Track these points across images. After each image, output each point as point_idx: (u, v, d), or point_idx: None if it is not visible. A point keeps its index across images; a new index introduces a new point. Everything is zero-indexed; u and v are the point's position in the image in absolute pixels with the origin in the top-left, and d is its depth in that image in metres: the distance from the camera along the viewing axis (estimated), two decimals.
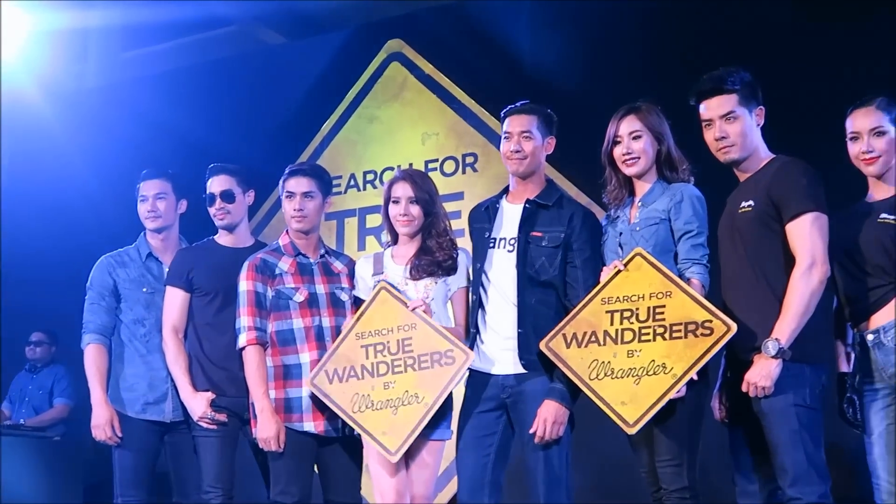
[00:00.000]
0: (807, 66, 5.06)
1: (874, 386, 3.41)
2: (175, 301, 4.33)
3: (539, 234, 3.70)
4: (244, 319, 4.01)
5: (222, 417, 4.19)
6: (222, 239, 4.45)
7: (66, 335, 6.09)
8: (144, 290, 4.48)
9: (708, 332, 3.34)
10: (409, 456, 3.79)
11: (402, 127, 6.41)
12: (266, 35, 6.82)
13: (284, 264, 4.08)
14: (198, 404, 4.19)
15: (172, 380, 4.33)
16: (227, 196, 4.38)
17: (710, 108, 3.53)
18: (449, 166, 6.19)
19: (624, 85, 5.24)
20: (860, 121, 3.49)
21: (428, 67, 6.36)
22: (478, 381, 3.73)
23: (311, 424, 3.95)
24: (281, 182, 4.15)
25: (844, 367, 3.53)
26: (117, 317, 4.47)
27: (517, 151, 3.75)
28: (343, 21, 6.61)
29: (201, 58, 6.65)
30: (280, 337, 4.01)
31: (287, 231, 4.18)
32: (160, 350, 4.37)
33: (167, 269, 4.48)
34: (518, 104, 3.84)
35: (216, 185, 4.40)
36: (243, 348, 4.00)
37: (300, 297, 4.03)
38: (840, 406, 3.50)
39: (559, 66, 5.66)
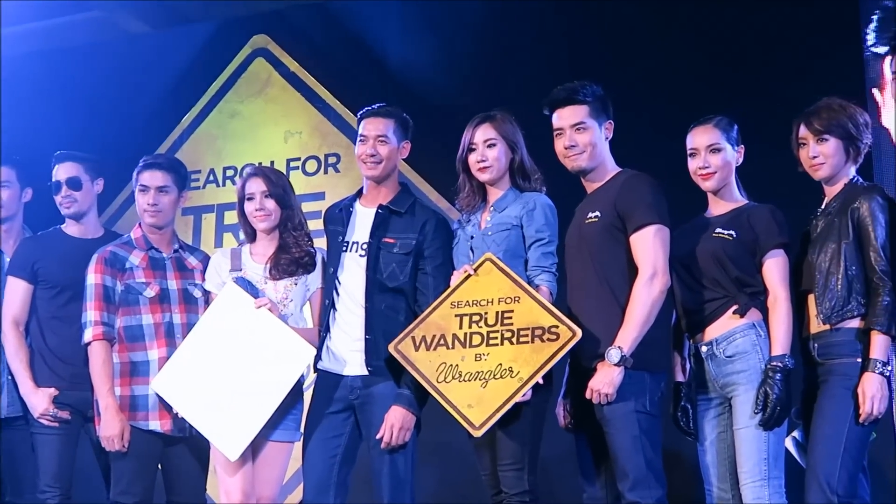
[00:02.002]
0: (660, 79, 5.24)
1: (707, 395, 3.55)
2: (17, 292, 4.21)
3: (391, 241, 3.71)
4: (91, 314, 3.92)
5: (64, 415, 4.10)
6: (69, 229, 4.34)
7: None
8: None
9: (554, 337, 3.39)
10: (255, 456, 3.76)
11: (264, 124, 6.33)
12: (128, 23, 6.65)
13: (135, 258, 4.01)
14: (39, 400, 4.09)
15: (10, 374, 4.20)
16: (74, 183, 4.28)
17: (562, 117, 3.60)
18: (311, 166, 6.15)
19: (485, 91, 5.32)
20: (699, 138, 3.63)
21: (293, 65, 6.29)
22: (327, 381, 3.72)
23: (157, 423, 3.89)
24: (135, 174, 4.08)
25: (680, 377, 3.64)
26: None
27: (372, 155, 3.75)
28: (208, 14, 6.49)
29: (59, 43, 6.45)
30: (128, 333, 3.94)
31: (140, 224, 4.09)
32: None
33: (8, 260, 4.33)
34: (375, 107, 3.85)
35: (62, 172, 4.30)
36: (89, 343, 3.91)
37: (151, 292, 3.97)
38: (674, 414, 3.62)
39: (425, 70, 5.68)
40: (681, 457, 4.07)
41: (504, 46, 5.70)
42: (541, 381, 3.45)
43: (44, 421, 4.08)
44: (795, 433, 3.65)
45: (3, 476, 4.33)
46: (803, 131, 3.51)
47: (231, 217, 5.71)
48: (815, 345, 3.42)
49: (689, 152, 3.65)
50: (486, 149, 3.66)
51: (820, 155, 3.48)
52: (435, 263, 3.69)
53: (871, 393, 3.25)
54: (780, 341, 3.40)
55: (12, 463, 4.30)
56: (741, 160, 3.66)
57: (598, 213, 3.52)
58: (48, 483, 4.06)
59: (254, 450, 3.73)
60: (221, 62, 6.43)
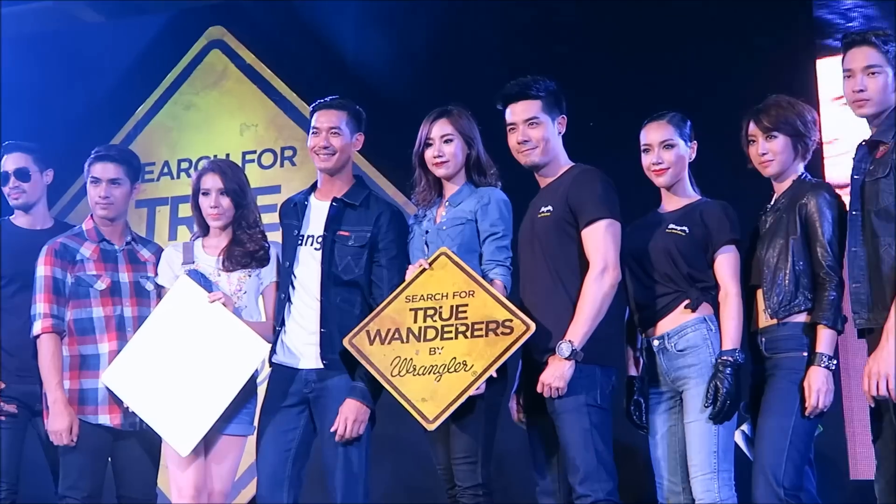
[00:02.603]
0: (614, 75, 5.28)
1: (659, 389, 3.58)
2: None
3: (346, 234, 3.71)
4: (40, 306, 3.88)
5: (11, 408, 4.08)
6: (18, 220, 4.32)
7: None
8: None
9: (508, 330, 3.42)
10: (208, 451, 3.76)
11: (220, 116, 6.30)
12: (83, 12, 6.59)
13: (87, 250, 3.97)
14: None
15: None
16: (22, 174, 4.27)
17: (515, 112, 3.62)
18: (267, 159, 6.14)
19: (441, 86, 5.34)
20: (652, 134, 3.65)
21: (249, 57, 6.28)
22: (281, 375, 3.72)
23: (107, 417, 3.86)
24: (86, 166, 4.05)
25: (633, 371, 3.67)
26: None
27: (325, 147, 3.75)
28: (164, 4, 6.45)
29: (12, 31, 6.37)
30: (78, 326, 3.90)
31: (92, 215, 4.06)
32: None
33: None
34: (327, 99, 3.84)
35: (10, 162, 4.30)
36: (38, 336, 3.87)
37: (102, 284, 3.93)
38: (627, 408, 3.64)
39: (382, 64, 5.71)
40: (633, 450, 4.10)
41: (460, 42, 5.74)
42: (495, 375, 3.47)
43: None
44: (744, 427, 3.67)
45: None
46: (752, 128, 3.55)
47: (186, 210, 5.67)
48: (763, 339, 3.46)
49: (642, 148, 3.67)
50: (442, 144, 3.67)
51: (769, 152, 3.51)
52: (389, 256, 3.70)
53: (816, 387, 3.29)
54: (731, 336, 3.43)
55: None
56: (694, 156, 3.68)
57: (550, 208, 3.54)
58: None
59: (206, 444, 3.73)
60: (177, 53, 6.40)
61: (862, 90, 3.30)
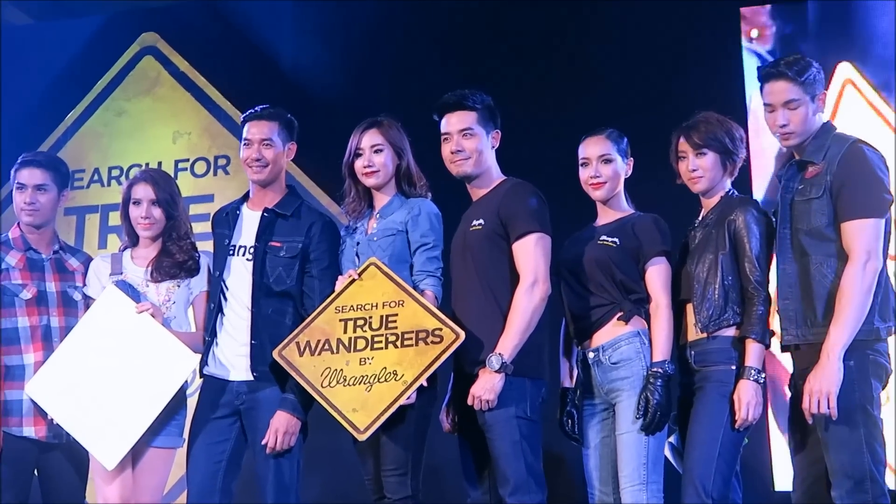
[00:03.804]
0: (550, 88, 5.35)
1: (593, 401, 3.61)
2: None
3: (277, 244, 3.71)
4: None
5: None
6: None
7: None
8: None
9: (438, 339, 3.43)
10: (136, 463, 3.71)
11: (152, 123, 6.29)
12: (10, 13, 6.49)
13: (12, 259, 3.92)
14: None
15: None
16: None
17: (450, 122, 3.65)
18: (200, 167, 6.13)
19: (375, 93, 5.37)
20: (591, 148, 3.68)
21: (183, 64, 6.27)
22: (212, 386, 3.72)
23: (32, 430, 3.82)
24: (13, 172, 3.99)
25: (567, 383, 3.70)
26: None
27: (258, 160, 3.75)
28: (96, 7, 6.40)
29: None
30: (3, 335, 3.86)
31: (18, 223, 4.00)
32: None
33: None
34: (258, 109, 3.83)
35: None
36: None
37: (27, 294, 3.89)
38: (560, 419, 3.66)
39: (316, 72, 5.75)
40: (564, 460, 4.14)
41: (395, 50, 5.79)
42: (425, 384, 3.48)
43: None
44: (672, 438, 3.72)
45: None
46: (683, 144, 3.59)
47: (116, 218, 5.55)
48: (692, 352, 3.49)
49: (580, 162, 3.71)
50: (372, 154, 3.68)
51: (699, 168, 3.55)
52: (321, 266, 3.70)
53: (746, 399, 3.34)
54: (661, 347, 3.47)
55: None
56: (630, 172, 3.73)
57: (482, 221, 3.56)
58: None
59: (134, 456, 3.70)
60: (109, 59, 6.37)
61: (785, 125, 3.36)
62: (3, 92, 6.13)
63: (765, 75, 3.43)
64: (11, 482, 3.80)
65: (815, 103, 3.38)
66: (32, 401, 3.77)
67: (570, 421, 3.66)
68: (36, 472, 3.93)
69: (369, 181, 3.70)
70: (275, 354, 3.57)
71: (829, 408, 3.14)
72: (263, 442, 3.56)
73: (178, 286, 3.81)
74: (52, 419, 3.76)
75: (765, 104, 3.42)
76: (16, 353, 3.84)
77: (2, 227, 5.21)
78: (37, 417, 3.80)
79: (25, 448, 3.82)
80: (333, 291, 3.63)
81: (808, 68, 3.37)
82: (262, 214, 3.76)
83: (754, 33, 5.40)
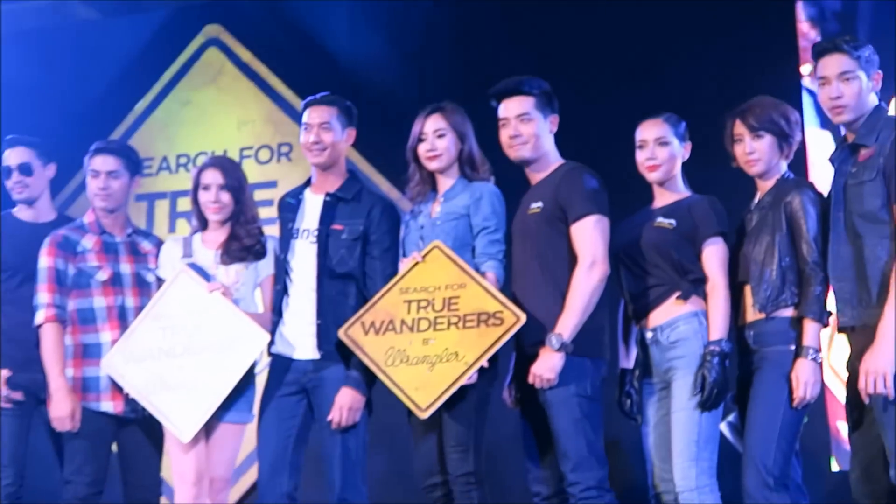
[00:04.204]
0: (608, 77, 5.37)
1: (651, 381, 3.64)
2: None
3: (339, 227, 3.77)
4: (42, 296, 3.93)
5: (17, 396, 4.10)
6: (22, 213, 4.36)
7: None
8: None
9: (499, 322, 3.48)
10: (209, 438, 3.81)
11: (217, 112, 6.37)
12: (81, 10, 6.64)
13: (88, 242, 4.03)
14: None
15: None
16: (25, 169, 4.30)
17: (508, 108, 3.69)
18: (264, 154, 6.21)
19: (434, 84, 5.41)
20: (647, 131, 3.70)
21: (246, 55, 6.34)
22: (280, 365, 3.78)
23: (110, 405, 3.92)
24: (86, 159, 4.09)
25: (626, 364, 3.74)
26: None
27: (316, 143, 3.81)
28: (161, 3, 6.51)
29: (15, 25, 6.42)
30: (80, 315, 3.95)
31: (93, 209, 4.11)
32: None
33: None
34: (318, 96, 3.89)
35: (13, 157, 4.31)
36: (40, 325, 3.93)
37: (103, 275, 3.99)
38: (619, 399, 3.70)
39: (374, 62, 5.77)
40: (623, 440, 4.19)
41: (452, 41, 5.80)
42: (486, 365, 3.53)
43: None
44: (730, 417, 3.77)
45: None
46: (739, 127, 3.60)
47: (184, 204, 5.75)
48: (751, 333, 3.51)
49: (637, 145, 3.72)
50: (435, 139, 3.72)
51: (756, 151, 3.56)
52: (382, 248, 3.77)
53: (804, 378, 3.35)
54: (718, 326, 3.49)
55: None
56: (687, 156, 3.74)
57: (540, 204, 3.60)
58: (3, 463, 4.06)
59: (207, 431, 3.78)
60: (174, 50, 6.46)
61: (839, 97, 3.35)
62: (75, 84, 6.27)
63: (819, 51, 3.42)
64: (91, 455, 3.90)
65: (871, 81, 3.37)
66: (109, 377, 3.87)
67: (628, 401, 3.68)
68: (115, 446, 4.04)
69: (432, 165, 3.75)
70: (340, 333, 3.64)
71: (885, 388, 3.15)
72: (329, 418, 3.64)
73: (246, 269, 3.89)
74: (128, 394, 3.87)
75: (818, 79, 3.41)
76: (92, 331, 3.94)
77: (72, 211, 5.38)
78: (114, 393, 3.90)
79: (104, 423, 3.93)
80: (393, 272, 3.71)
81: (864, 45, 3.37)
82: (325, 199, 3.83)
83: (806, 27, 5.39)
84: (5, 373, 4.10)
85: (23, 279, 4.11)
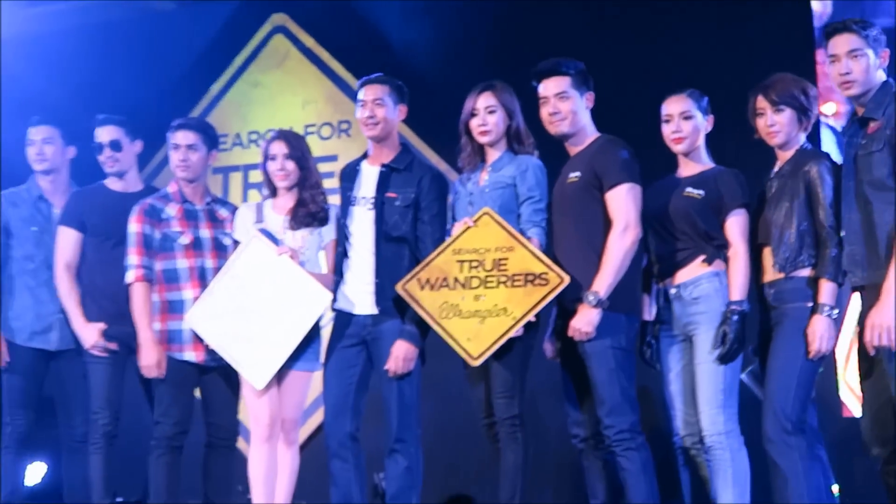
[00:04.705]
0: (639, 57, 5.53)
1: (672, 332, 3.84)
2: (68, 240, 4.48)
3: (393, 195, 3.97)
4: (132, 258, 4.20)
5: (112, 346, 4.34)
6: (113, 184, 4.59)
7: None
8: (34, 228, 4.62)
9: (544, 282, 3.68)
10: (280, 384, 4.04)
11: (283, 93, 6.57)
12: (156, 2, 6.88)
13: (171, 210, 4.27)
14: (89, 334, 4.36)
15: (61, 311, 4.49)
16: (115, 145, 4.52)
17: (547, 87, 3.86)
18: (326, 131, 6.42)
19: (481, 66, 5.49)
20: (672, 106, 3.88)
21: (309, 41, 6.54)
22: (342, 320, 4.03)
23: (192, 354, 4.18)
24: (168, 135, 4.31)
25: (647, 316, 3.91)
26: (7, 252, 4.60)
27: (370, 117, 4.01)
28: None
29: (102, 17, 6.69)
30: (166, 275, 4.21)
31: (175, 180, 4.34)
32: (48, 284, 4.53)
33: (56, 210, 4.63)
34: (372, 76, 4.09)
35: (104, 134, 4.53)
36: (131, 284, 4.20)
37: (185, 239, 4.22)
38: (640, 348, 3.89)
39: (425, 47, 5.92)
40: (647, 390, 4.36)
41: (496, 25, 5.95)
42: (533, 319, 3.75)
43: (94, 352, 4.36)
44: (752, 367, 3.98)
45: (54, 403, 4.64)
46: (761, 102, 3.73)
47: (255, 176, 6.00)
48: (771, 291, 3.68)
49: (663, 119, 3.88)
50: (486, 115, 3.92)
51: (776, 123, 3.70)
52: (431, 213, 3.98)
53: (820, 333, 3.52)
54: (739, 288, 3.67)
55: (63, 389, 4.59)
56: (710, 128, 3.88)
57: (578, 174, 3.78)
58: (100, 406, 4.34)
59: (279, 379, 4.02)
60: (243, 37, 6.68)
61: (848, 73, 3.48)
62: (156, 68, 6.49)
63: (830, 32, 3.55)
64: (177, 398, 4.18)
65: (878, 59, 3.49)
66: (192, 330, 4.13)
67: (648, 350, 3.90)
68: (198, 392, 4.30)
69: (483, 139, 3.94)
70: (398, 287, 3.85)
71: (889, 340, 3.29)
72: (386, 367, 3.86)
73: (312, 233, 4.11)
74: (208, 345, 4.12)
75: (829, 56, 3.53)
76: (176, 290, 4.20)
77: (157, 182, 5.63)
78: (196, 343, 4.15)
79: (187, 371, 4.19)
80: (442, 236, 3.91)
81: (872, 26, 3.52)
82: (380, 169, 4.04)
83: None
84: (101, 326, 4.38)
85: (115, 243, 4.36)
